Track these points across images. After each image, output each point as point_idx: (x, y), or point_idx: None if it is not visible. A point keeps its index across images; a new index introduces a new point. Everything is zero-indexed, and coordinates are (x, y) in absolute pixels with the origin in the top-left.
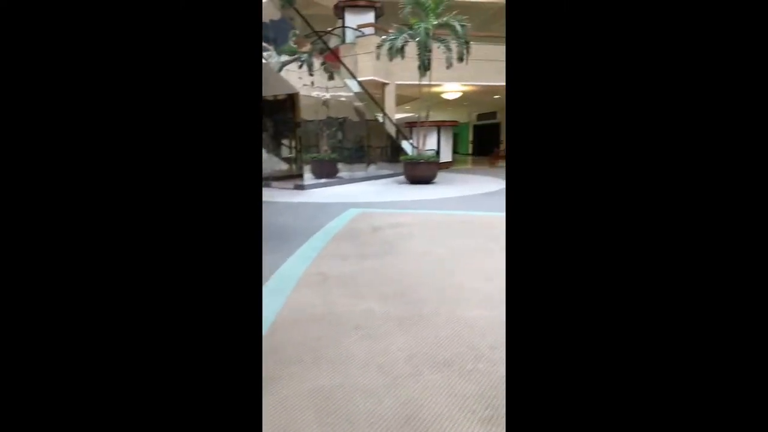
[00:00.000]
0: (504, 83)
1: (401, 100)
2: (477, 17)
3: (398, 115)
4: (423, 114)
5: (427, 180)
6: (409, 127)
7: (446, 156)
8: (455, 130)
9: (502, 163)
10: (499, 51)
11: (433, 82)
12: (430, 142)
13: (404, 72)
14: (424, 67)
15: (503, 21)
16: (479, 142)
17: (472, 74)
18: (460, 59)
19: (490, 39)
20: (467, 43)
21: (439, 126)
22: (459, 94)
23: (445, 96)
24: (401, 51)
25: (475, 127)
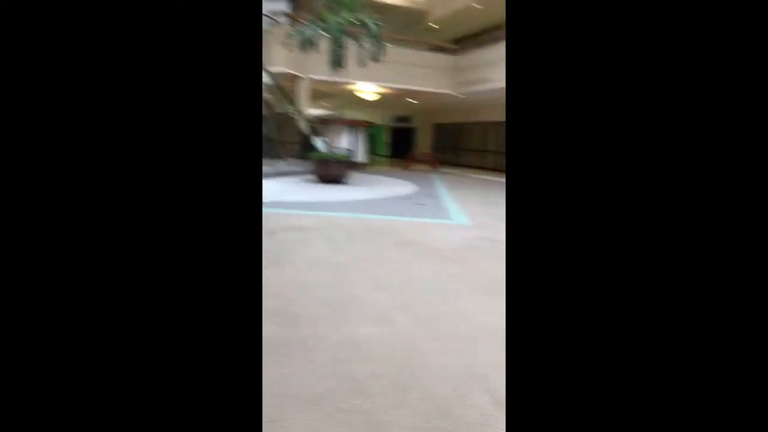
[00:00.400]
0: (419, 88)
1: (317, 96)
2: (397, 21)
3: (315, 111)
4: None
5: (337, 180)
6: (323, 124)
7: (362, 156)
8: (372, 131)
9: (418, 167)
10: (417, 56)
11: (348, 80)
12: (345, 141)
13: (319, 66)
14: (336, 63)
15: (423, 26)
16: (395, 145)
17: (389, 76)
18: (374, 59)
19: (410, 43)
20: (381, 43)
21: (354, 125)
22: (376, 96)
23: (361, 95)
24: (312, 44)
25: (392, 129)
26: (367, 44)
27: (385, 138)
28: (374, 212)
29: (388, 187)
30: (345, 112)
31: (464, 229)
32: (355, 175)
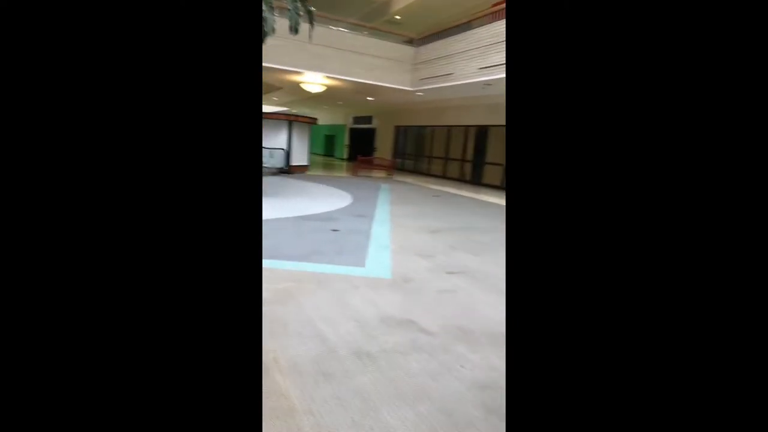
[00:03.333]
0: (374, 82)
1: (265, 89)
2: (357, 10)
3: (267, 107)
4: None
5: None
6: None
7: (299, 158)
8: (329, 131)
9: (371, 173)
10: (374, 45)
11: (290, 68)
12: (277, 140)
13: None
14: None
15: (386, 17)
16: (355, 147)
17: (337, 66)
18: (295, 30)
19: (365, 30)
20: (309, 12)
21: (290, 120)
22: (322, 88)
23: (305, 87)
24: None
25: (352, 130)
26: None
27: (346, 140)
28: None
29: (312, 200)
30: (302, 110)
31: (375, 288)
32: (281, 182)
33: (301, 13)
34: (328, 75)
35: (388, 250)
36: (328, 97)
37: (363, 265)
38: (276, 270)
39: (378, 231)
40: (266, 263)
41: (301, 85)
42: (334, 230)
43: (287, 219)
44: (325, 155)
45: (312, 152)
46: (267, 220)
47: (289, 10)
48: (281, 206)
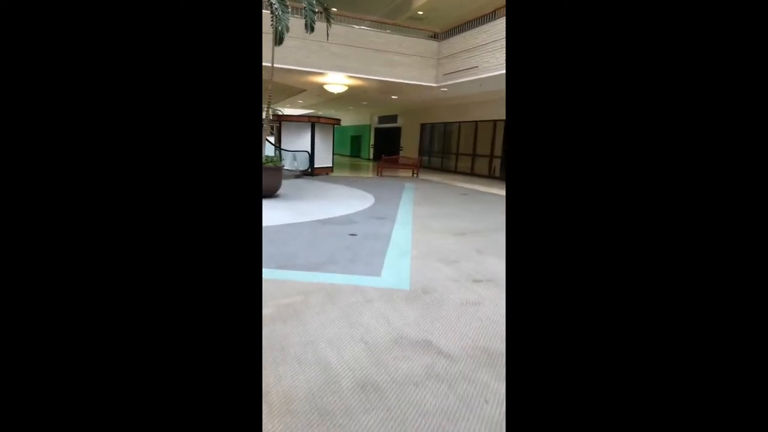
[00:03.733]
0: (397, 80)
1: (284, 91)
2: (378, 8)
3: (292, 110)
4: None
5: (266, 193)
6: (277, 123)
7: (323, 160)
8: (355, 132)
9: (395, 172)
10: (395, 41)
11: (312, 69)
12: (300, 143)
13: (279, 52)
14: (278, 37)
15: (408, 14)
16: (381, 147)
17: (359, 65)
18: (311, 28)
19: (387, 26)
20: (326, 10)
21: (312, 122)
22: (344, 88)
23: (327, 88)
24: None
25: (377, 130)
26: (312, 9)
27: (371, 140)
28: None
29: (333, 203)
30: (327, 112)
31: (390, 301)
32: (303, 185)
33: (317, 10)
34: (350, 75)
35: (408, 256)
36: (353, 97)
37: (379, 275)
38: (284, 282)
39: (398, 234)
40: (275, 275)
41: (324, 86)
42: (352, 235)
43: (304, 224)
44: (351, 156)
45: (338, 153)
46: (282, 225)
47: (304, 7)
48: (300, 210)
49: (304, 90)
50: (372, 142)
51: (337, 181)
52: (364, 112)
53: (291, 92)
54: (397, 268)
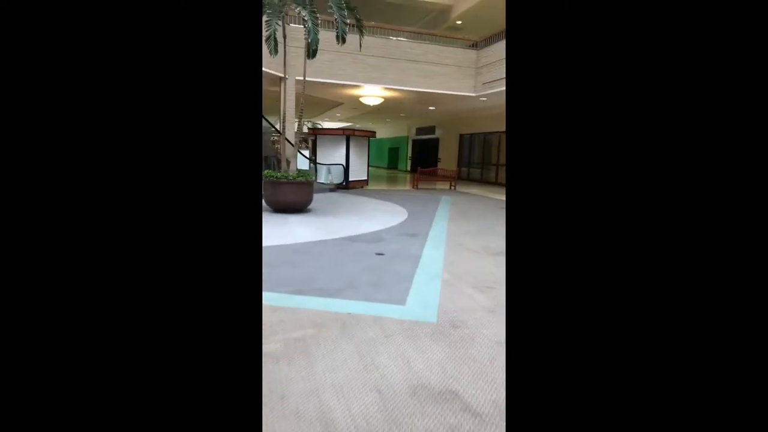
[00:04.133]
0: (434, 90)
1: (321, 104)
2: (415, 18)
3: (330, 123)
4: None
5: (296, 208)
6: (312, 136)
7: (357, 173)
8: (392, 144)
9: (432, 184)
10: (432, 51)
11: (347, 82)
12: (335, 156)
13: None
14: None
15: (447, 24)
16: (418, 159)
17: (396, 76)
18: (342, 40)
19: (424, 37)
20: (358, 20)
21: (347, 135)
22: (380, 100)
23: (363, 101)
24: (273, 38)
25: (414, 142)
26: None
27: (409, 152)
28: (277, 277)
29: (363, 218)
30: (365, 124)
31: (413, 337)
32: (336, 199)
33: (349, 22)
34: (386, 86)
35: (438, 280)
36: (389, 109)
37: (404, 303)
38: (298, 311)
39: (429, 255)
40: (291, 301)
41: (360, 99)
42: (379, 254)
43: (330, 241)
44: (388, 168)
45: (375, 166)
46: (306, 243)
47: (336, 19)
48: (329, 226)
49: (340, 103)
50: (409, 154)
51: (371, 194)
52: (402, 124)
53: (328, 105)
54: (424, 294)
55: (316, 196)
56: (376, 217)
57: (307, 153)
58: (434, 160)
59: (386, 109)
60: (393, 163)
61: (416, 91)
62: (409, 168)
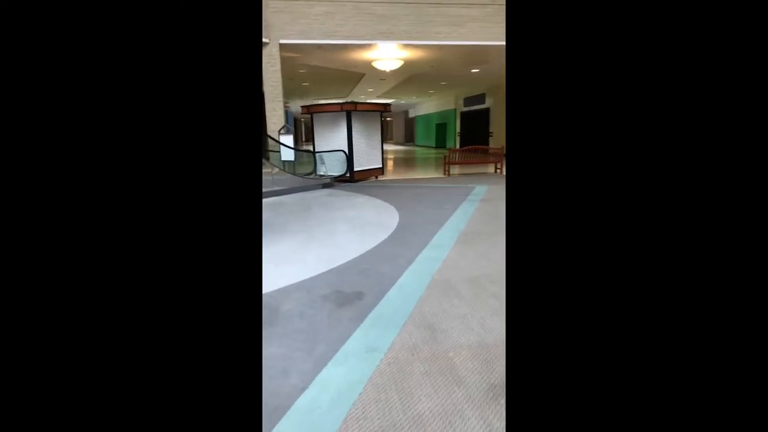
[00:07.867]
0: (467, 42)
1: (337, 81)
2: None
3: (364, 100)
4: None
5: None
6: (308, 114)
7: (366, 160)
8: (439, 119)
9: (471, 167)
10: None
11: (347, 41)
12: (332, 141)
13: (293, 24)
14: None
15: None
16: (467, 135)
17: (411, 28)
18: None
19: None
20: None
21: (347, 111)
22: (398, 63)
23: (377, 65)
24: None
25: (462, 115)
26: None
27: (457, 127)
28: None
29: (321, 245)
30: (409, 98)
31: None
32: (322, 201)
33: None
34: (403, 42)
35: None
36: (423, 77)
37: None
38: None
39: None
40: None
41: (373, 64)
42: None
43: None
44: (436, 147)
45: (423, 145)
46: None
47: None
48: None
49: (363, 74)
50: (458, 129)
51: (373, 190)
52: (448, 95)
53: (351, 78)
54: None
55: (289, 198)
56: (346, 236)
57: (289, 140)
58: (485, 136)
59: (421, 77)
60: (441, 141)
61: (441, 45)
62: (457, 145)
